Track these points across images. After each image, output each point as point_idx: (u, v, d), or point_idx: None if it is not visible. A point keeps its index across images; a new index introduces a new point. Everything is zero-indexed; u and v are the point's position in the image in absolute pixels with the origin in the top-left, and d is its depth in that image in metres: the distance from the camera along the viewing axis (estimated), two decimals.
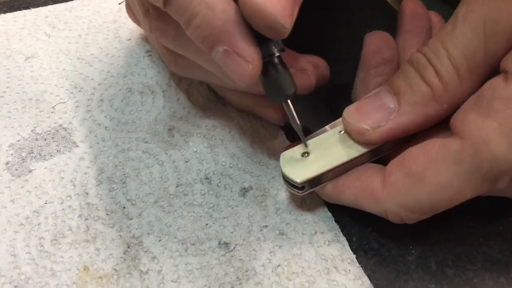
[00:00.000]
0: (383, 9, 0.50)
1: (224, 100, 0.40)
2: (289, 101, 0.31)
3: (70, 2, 0.48)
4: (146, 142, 0.37)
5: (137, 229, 0.33)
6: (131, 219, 0.33)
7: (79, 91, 0.40)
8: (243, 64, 0.28)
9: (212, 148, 0.37)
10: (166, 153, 0.36)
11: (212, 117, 0.39)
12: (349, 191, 0.31)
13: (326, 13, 0.49)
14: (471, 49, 0.28)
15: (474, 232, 0.33)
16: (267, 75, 0.30)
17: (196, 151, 0.36)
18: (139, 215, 0.33)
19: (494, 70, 0.29)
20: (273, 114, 0.36)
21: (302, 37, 0.45)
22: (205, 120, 0.38)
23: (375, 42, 0.35)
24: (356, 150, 0.32)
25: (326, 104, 0.42)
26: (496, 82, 0.27)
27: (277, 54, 0.30)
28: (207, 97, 0.40)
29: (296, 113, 0.38)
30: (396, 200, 0.29)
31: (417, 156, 0.29)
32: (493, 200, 0.33)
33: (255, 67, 0.28)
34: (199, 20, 0.28)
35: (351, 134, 0.32)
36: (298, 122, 0.32)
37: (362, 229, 0.33)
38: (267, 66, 0.30)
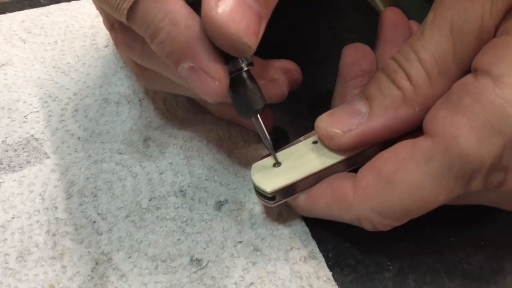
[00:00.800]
0: (368, 13, 0.49)
1: (204, 110, 0.39)
2: (258, 115, 0.30)
3: (47, 7, 0.47)
4: (120, 153, 0.36)
5: (106, 245, 0.32)
6: (101, 234, 0.32)
7: (53, 100, 0.39)
8: (209, 81, 0.27)
9: (188, 159, 0.36)
10: (140, 165, 0.35)
11: (190, 128, 0.38)
12: (321, 200, 0.30)
13: (309, 16, 0.48)
14: (440, 52, 0.28)
15: (454, 247, 0.32)
16: (235, 90, 0.29)
17: (171, 163, 0.35)
18: (109, 230, 0.32)
19: (465, 73, 0.28)
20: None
21: (283, 41, 0.44)
22: (183, 131, 0.37)
23: (353, 54, 0.35)
24: (330, 159, 0.31)
25: (308, 112, 0.41)
26: (466, 79, 0.27)
27: (245, 68, 0.29)
28: (186, 108, 0.39)
29: (276, 122, 0.37)
30: (367, 204, 0.28)
31: (388, 157, 0.28)
32: (474, 213, 0.32)
33: (221, 84, 0.27)
34: (163, 36, 0.27)
35: (322, 139, 0.31)
36: (268, 137, 0.31)
37: (340, 244, 0.32)
38: (235, 81, 0.29)
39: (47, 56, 0.42)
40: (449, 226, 0.33)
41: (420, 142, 0.27)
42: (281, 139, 0.38)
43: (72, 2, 0.48)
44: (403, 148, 0.28)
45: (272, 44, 0.44)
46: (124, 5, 0.28)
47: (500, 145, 0.25)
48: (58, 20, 0.46)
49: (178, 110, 0.39)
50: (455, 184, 0.27)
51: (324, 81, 0.42)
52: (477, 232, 0.33)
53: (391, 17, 0.36)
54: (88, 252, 0.31)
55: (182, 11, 0.27)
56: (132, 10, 0.28)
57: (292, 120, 0.40)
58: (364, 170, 0.29)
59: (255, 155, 0.36)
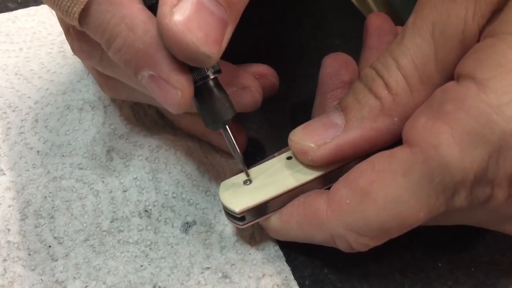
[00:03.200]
0: (356, 18, 0.47)
1: (172, 124, 0.36)
2: (227, 127, 0.28)
3: (14, 12, 0.44)
4: (81, 169, 0.33)
5: (61, 272, 0.29)
6: (56, 260, 0.29)
7: (13, 111, 0.36)
8: (171, 91, 0.25)
9: (154, 173, 0.33)
10: (103, 181, 0.33)
11: (157, 136, 0.35)
12: (293, 219, 0.28)
13: (292, 20, 0.45)
14: (421, 58, 0.26)
15: (442, 274, 0.29)
16: (201, 100, 0.27)
17: (136, 178, 0.33)
18: (66, 255, 0.30)
19: (448, 80, 0.25)
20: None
21: (263, 46, 0.42)
22: (149, 139, 0.34)
23: (333, 64, 0.32)
24: (305, 175, 0.28)
25: (289, 123, 0.39)
26: (448, 84, 0.25)
27: (212, 76, 0.26)
28: (154, 120, 0.36)
29: (253, 134, 0.35)
30: (341, 220, 0.26)
31: (364, 169, 0.26)
32: (463, 235, 0.30)
33: (185, 94, 0.25)
34: (119, 43, 0.25)
35: (295, 154, 0.29)
36: (238, 150, 0.28)
37: (316, 271, 0.29)
38: (201, 91, 0.26)
39: (10, 63, 0.40)
40: (436, 249, 0.30)
41: (398, 152, 0.25)
42: (257, 154, 0.35)
43: (42, 5, 0.45)
44: (380, 159, 0.25)
45: (250, 50, 0.42)
46: (75, 8, 0.25)
47: (485, 155, 0.23)
48: (25, 26, 0.43)
49: (146, 121, 0.36)
50: (437, 199, 0.24)
51: (306, 89, 0.40)
52: (466, 256, 0.30)
53: (377, 23, 0.34)
54: (41, 280, 0.29)
55: (140, 15, 0.25)
56: (84, 13, 0.26)
57: (270, 132, 0.37)
58: (338, 184, 0.27)
59: (227, 170, 0.34)
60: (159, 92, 0.25)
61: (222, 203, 0.29)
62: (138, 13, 0.25)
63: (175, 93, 0.25)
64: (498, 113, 0.22)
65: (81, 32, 0.28)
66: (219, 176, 0.33)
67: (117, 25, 0.25)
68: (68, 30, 0.30)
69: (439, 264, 0.30)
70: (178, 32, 0.23)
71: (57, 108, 0.36)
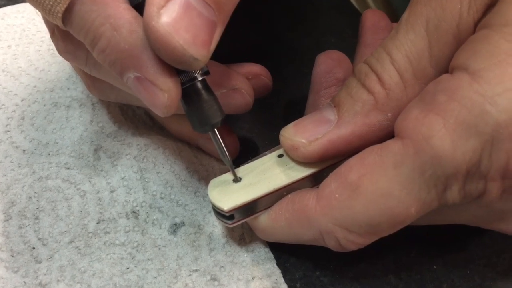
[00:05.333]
0: (352, 16, 0.46)
1: (161, 126, 0.35)
2: (216, 130, 0.27)
3: (3, 8, 0.44)
4: (67, 168, 0.32)
5: (45, 274, 0.28)
6: (40, 262, 0.28)
7: None
8: (158, 93, 0.24)
9: (142, 173, 0.32)
10: (90, 181, 0.32)
11: (146, 134, 0.34)
12: (282, 217, 0.27)
13: (286, 18, 0.45)
14: (415, 52, 0.25)
15: (437, 276, 0.28)
16: (189, 103, 0.26)
17: (123, 177, 0.32)
18: (50, 257, 0.29)
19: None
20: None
21: (257, 45, 0.41)
22: (137, 138, 0.33)
23: (326, 62, 0.32)
24: (296, 173, 0.28)
25: (282, 122, 0.38)
26: (442, 76, 0.24)
27: (200, 78, 0.25)
28: (143, 121, 0.35)
29: (245, 133, 0.34)
30: (330, 215, 0.25)
31: (354, 163, 0.25)
32: (458, 236, 0.29)
33: (172, 97, 0.24)
34: (103, 43, 0.24)
35: (286, 150, 0.28)
36: (227, 154, 0.27)
37: (308, 274, 0.29)
38: (188, 93, 0.25)
39: None
40: (431, 251, 0.29)
41: (389, 145, 0.24)
42: (249, 153, 0.35)
43: None
44: (370, 152, 0.25)
45: (243, 49, 0.41)
46: (58, 7, 0.25)
47: (477, 146, 0.22)
48: (14, 23, 0.42)
49: (135, 121, 0.35)
50: (428, 193, 0.23)
51: (300, 88, 0.39)
52: (462, 258, 0.29)
53: (373, 20, 0.33)
54: (24, 282, 0.28)
55: (125, 15, 0.24)
56: (68, 13, 0.25)
57: (263, 131, 0.36)
58: (328, 179, 0.26)
59: (216, 169, 0.33)
60: (145, 94, 0.24)
61: (210, 201, 0.28)
62: (124, 13, 0.24)
63: (161, 95, 0.24)
64: (492, 103, 0.21)
65: (66, 33, 0.27)
66: (208, 176, 0.32)
67: (101, 25, 0.24)
68: (53, 31, 0.29)
69: (435, 267, 0.29)
70: (165, 34, 0.22)
71: (44, 105, 0.36)
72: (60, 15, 0.25)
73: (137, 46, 0.24)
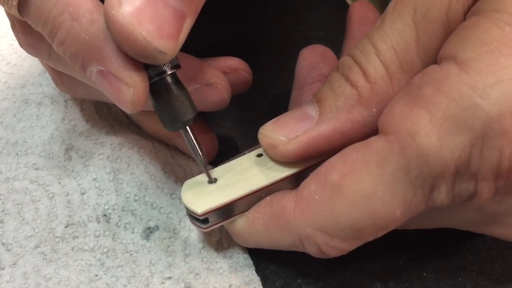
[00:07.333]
0: (341, 8, 0.44)
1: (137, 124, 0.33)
2: (188, 128, 0.25)
3: None
4: (36, 169, 0.30)
5: (8, 282, 0.26)
6: (3, 269, 0.27)
7: None
8: (123, 88, 0.22)
9: (115, 174, 0.30)
10: (59, 183, 0.30)
11: (121, 133, 0.32)
12: (259, 220, 0.25)
13: (273, 11, 0.43)
14: (401, 43, 0.23)
15: (427, 285, 0.27)
16: (158, 99, 0.24)
17: (95, 179, 0.30)
18: (14, 264, 0.27)
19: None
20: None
21: (241, 39, 0.39)
22: (111, 137, 0.32)
23: (311, 57, 0.30)
24: (275, 174, 0.26)
25: (267, 118, 0.36)
26: (429, 68, 0.22)
27: (169, 72, 0.23)
28: (118, 119, 0.33)
29: (226, 132, 0.32)
30: (310, 219, 0.23)
31: (335, 162, 0.23)
32: (449, 241, 0.27)
33: (138, 92, 0.22)
34: (63, 34, 0.22)
35: (265, 149, 0.26)
36: (200, 153, 0.25)
37: (289, 281, 0.27)
38: (157, 88, 0.24)
39: None
40: (420, 258, 0.28)
41: (373, 142, 0.22)
42: (231, 154, 0.33)
43: None
44: (353, 150, 0.23)
45: (227, 42, 0.39)
46: None
47: (467, 143, 0.20)
48: None
49: (109, 119, 0.33)
50: (415, 194, 0.21)
51: (286, 84, 0.37)
52: (453, 264, 0.27)
53: (360, 11, 0.32)
54: None
55: (86, 3, 0.23)
56: (24, 1, 0.23)
57: (245, 130, 0.34)
58: (308, 179, 0.24)
59: (194, 170, 0.31)
60: (109, 89, 0.23)
61: (184, 204, 0.26)
62: (84, 1, 0.22)
63: (126, 90, 0.22)
64: (483, 96, 0.20)
65: (26, 24, 0.25)
66: (186, 178, 0.30)
67: (60, 14, 0.22)
68: (14, 22, 0.27)
69: (424, 274, 0.27)
70: (126, 25, 0.21)
71: (15, 102, 0.34)
72: (15, 3, 0.23)
73: (99, 37, 0.22)
